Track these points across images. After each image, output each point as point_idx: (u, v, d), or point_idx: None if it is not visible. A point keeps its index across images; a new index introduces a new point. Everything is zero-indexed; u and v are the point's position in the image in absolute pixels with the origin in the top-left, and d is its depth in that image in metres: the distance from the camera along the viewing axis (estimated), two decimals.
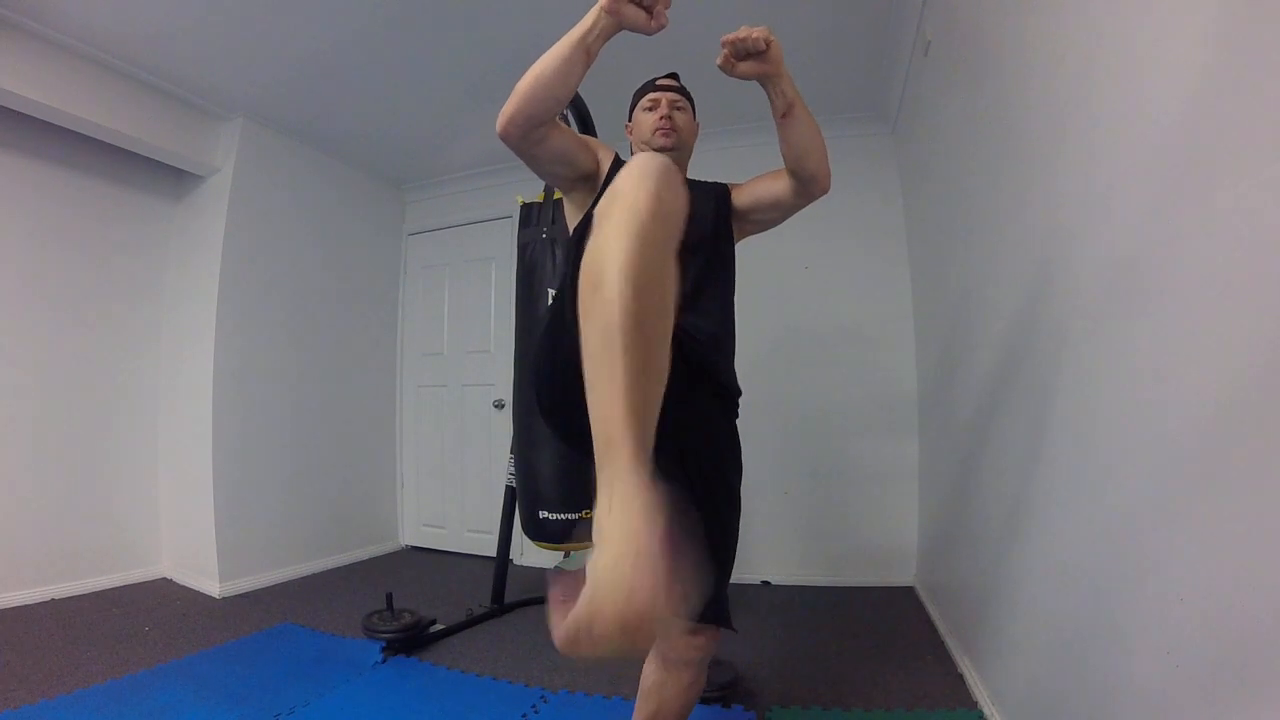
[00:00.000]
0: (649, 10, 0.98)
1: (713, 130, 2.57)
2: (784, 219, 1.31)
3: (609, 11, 0.97)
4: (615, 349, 0.58)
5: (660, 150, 1.29)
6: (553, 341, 0.89)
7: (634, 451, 0.56)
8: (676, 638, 1.10)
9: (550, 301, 1.98)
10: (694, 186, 1.28)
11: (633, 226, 0.62)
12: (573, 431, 0.70)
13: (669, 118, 1.28)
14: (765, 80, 1.11)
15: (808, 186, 1.20)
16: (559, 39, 1.01)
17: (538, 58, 1.02)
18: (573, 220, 1.25)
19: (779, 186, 1.23)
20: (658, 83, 1.35)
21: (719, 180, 1.36)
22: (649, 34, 1.00)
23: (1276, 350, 0.63)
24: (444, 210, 3.85)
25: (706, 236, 1.20)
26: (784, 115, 1.14)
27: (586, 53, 1.00)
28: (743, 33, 1.05)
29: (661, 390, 0.63)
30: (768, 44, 1.06)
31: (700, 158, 1.43)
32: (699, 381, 1.08)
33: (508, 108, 1.02)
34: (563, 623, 0.51)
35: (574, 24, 1.01)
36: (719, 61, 1.10)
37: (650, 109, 1.31)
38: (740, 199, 1.29)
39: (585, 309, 0.64)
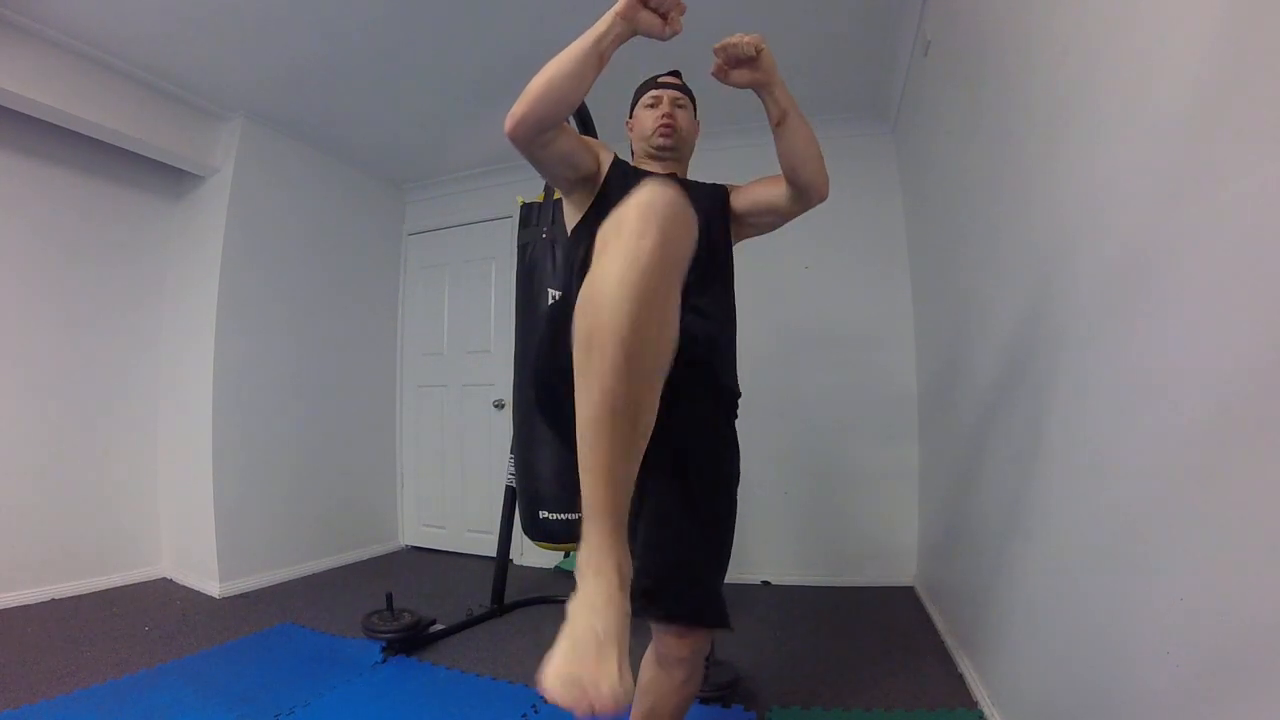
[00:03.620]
0: (664, 16, 0.98)
1: (712, 130, 2.57)
2: (781, 224, 1.30)
3: (624, 17, 0.98)
4: (603, 432, 0.65)
5: (660, 149, 1.29)
6: (551, 348, 0.89)
7: (611, 527, 0.66)
8: (668, 638, 1.11)
9: (550, 304, 1.98)
10: (693, 187, 1.28)
11: (633, 278, 0.62)
12: (571, 433, 0.70)
13: (670, 115, 1.28)
14: (759, 89, 1.12)
15: (804, 194, 1.20)
16: (570, 42, 1.01)
17: (539, 58, 1.02)
18: (571, 220, 1.25)
19: (776, 192, 1.23)
20: (660, 80, 1.35)
21: (719, 181, 1.35)
22: (663, 39, 1.01)
23: (1277, 350, 0.63)
24: (444, 210, 3.85)
25: (704, 240, 1.19)
26: (778, 124, 1.14)
27: (600, 57, 1.00)
28: (734, 39, 1.06)
29: (644, 445, 0.69)
30: (758, 51, 1.06)
31: (699, 157, 1.43)
32: (697, 384, 1.07)
33: (518, 109, 1.01)
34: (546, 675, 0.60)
35: (576, 24, 1.01)
36: (712, 70, 1.10)
37: (652, 106, 1.31)
38: (739, 202, 1.29)
39: (578, 366, 0.67)
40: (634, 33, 1.00)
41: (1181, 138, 0.80)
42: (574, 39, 1.01)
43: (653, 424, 0.68)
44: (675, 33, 1.00)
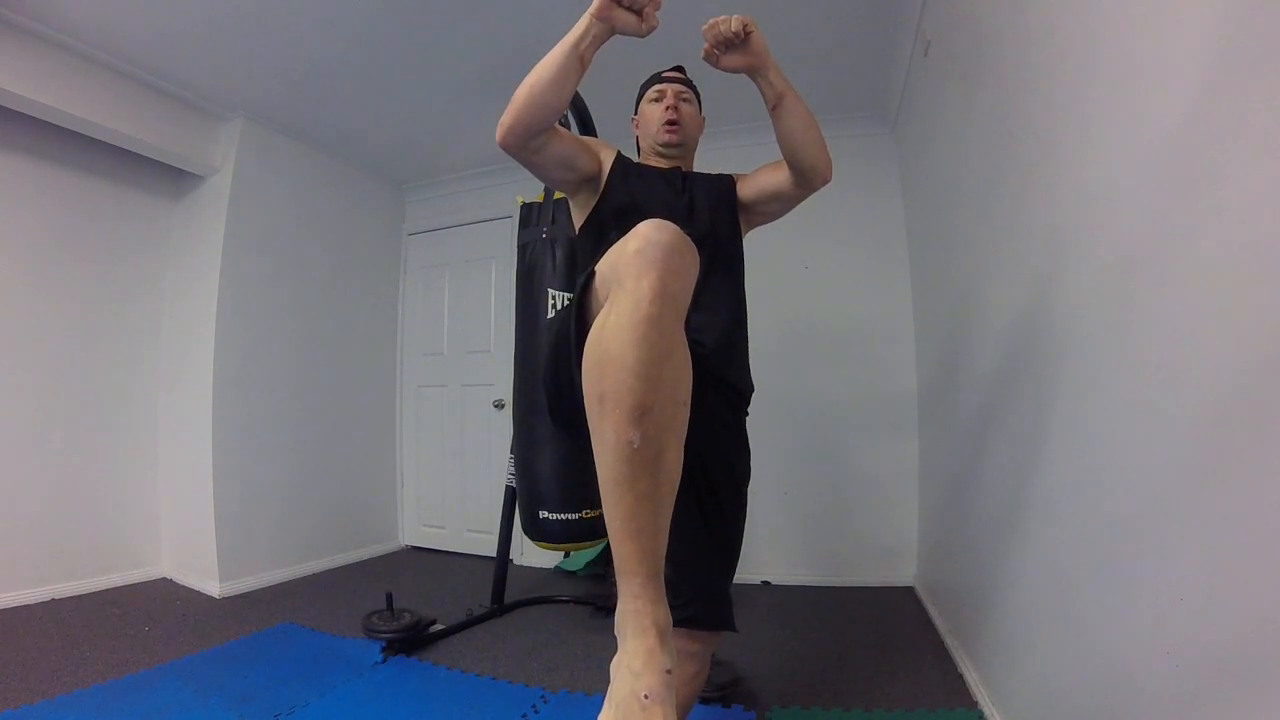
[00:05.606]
0: (639, 13, 0.98)
1: (715, 130, 2.57)
2: (789, 209, 1.30)
3: (599, 17, 0.98)
4: (624, 489, 0.63)
5: (666, 145, 1.29)
6: (555, 363, 0.90)
7: (642, 583, 0.64)
8: (679, 637, 1.11)
9: (551, 310, 1.98)
10: (699, 179, 1.28)
11: (637, 335, 0.62)
12: (580, 430, 0.70)
13: (675, 109, 1.28)
14: (752, 72, 1.11)
15: (807, 177, 1.19)
16: (554, 44, 1.01)
17: (539, 57, 1.02)
18: (578, 221, 1.25)
19: (780, 178, 1.22)
20: (664, 75, 1.35)
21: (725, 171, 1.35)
22: (641, 36, 1.01)
23: (1276, 350, 0.63)
24: (444, 210, 3.86)
25: (710, 231, 1.19)
26: (775, 107, 1.13)
27: (580, 60, 1.01)
28: (719, 19, 1.06)
29: (674, 491, 0.67)
30: (747, 33, 1.06)
31: (702, 156, 1.43)
32: (707, 384, 1.07)
33: (506, 118, 1.02)
34: None
35: (573, 23, 1.01)
36: (702, 53, 1.10)
37: (656, 100, 1.31)
38: (745, 191, 1.28)
39: (593, 424, 0.66)
40: (612, 32, 1.00)
41: (1180, 137, 0.80)
42: None
43: (679, 470, 0.67)
44: (652, 28, 0.99)
